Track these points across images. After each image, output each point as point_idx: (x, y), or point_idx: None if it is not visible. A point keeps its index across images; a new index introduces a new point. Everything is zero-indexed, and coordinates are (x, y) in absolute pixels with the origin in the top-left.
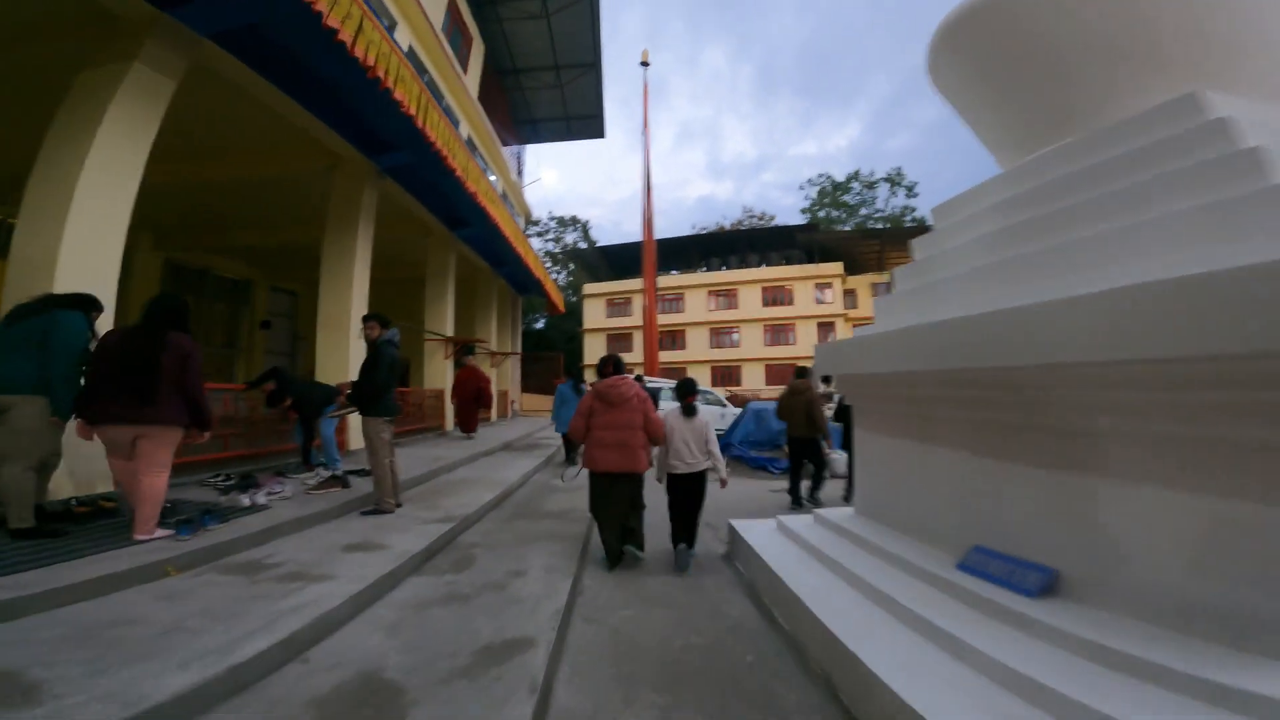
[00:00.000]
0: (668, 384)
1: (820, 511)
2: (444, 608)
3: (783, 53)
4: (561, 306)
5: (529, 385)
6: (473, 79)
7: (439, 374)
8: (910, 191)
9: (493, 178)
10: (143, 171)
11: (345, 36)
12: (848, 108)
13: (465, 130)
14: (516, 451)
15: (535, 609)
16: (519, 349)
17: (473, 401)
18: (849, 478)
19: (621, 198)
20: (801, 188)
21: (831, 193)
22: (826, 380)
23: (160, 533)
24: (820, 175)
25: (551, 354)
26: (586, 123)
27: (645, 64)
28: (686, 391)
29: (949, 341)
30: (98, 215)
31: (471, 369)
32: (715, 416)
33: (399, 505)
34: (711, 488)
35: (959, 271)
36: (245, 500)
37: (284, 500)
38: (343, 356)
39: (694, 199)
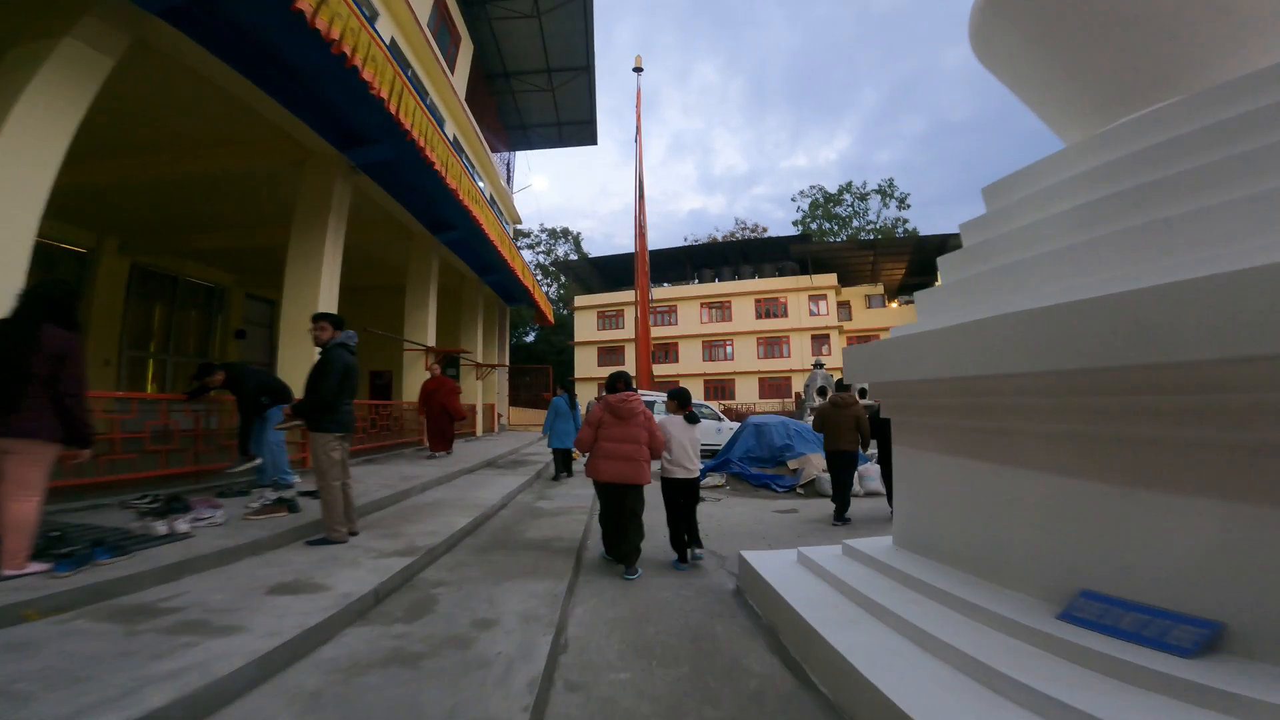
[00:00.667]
0: (659, 396)
1: (851, 543)
2: (384, 673)
3: (773, 66)
4: (551, 318)
5: (517, 399)
6: (460, 79)
7: (419, 386)
8: (902, 203)
9: (481, 184)
10: (63, 155)
11: (305, 5)
12: (837, 121)
13: (451, 131)
14: (500, 469)
15: (506, 677)
16: (506, 361)
17: (441, 415)
18: (889, 492)
19: (613, 211)
20: (794, 199)
21: (824, 205)
22: (862, 393)
23: (33, 567)
24: (812, 187)
25: (540, 367)
26: (579, 129)
27: (638, 70)
28: (686, 400)
29: (1054, 336)
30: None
31: (439, 378)
32: (711, 431)
33: (353, 534)
34: (713, 509)
35: (1038, 253)
36: (161, 528)
37: (214, 527)
38: (309, 367)
39: (685, 212)
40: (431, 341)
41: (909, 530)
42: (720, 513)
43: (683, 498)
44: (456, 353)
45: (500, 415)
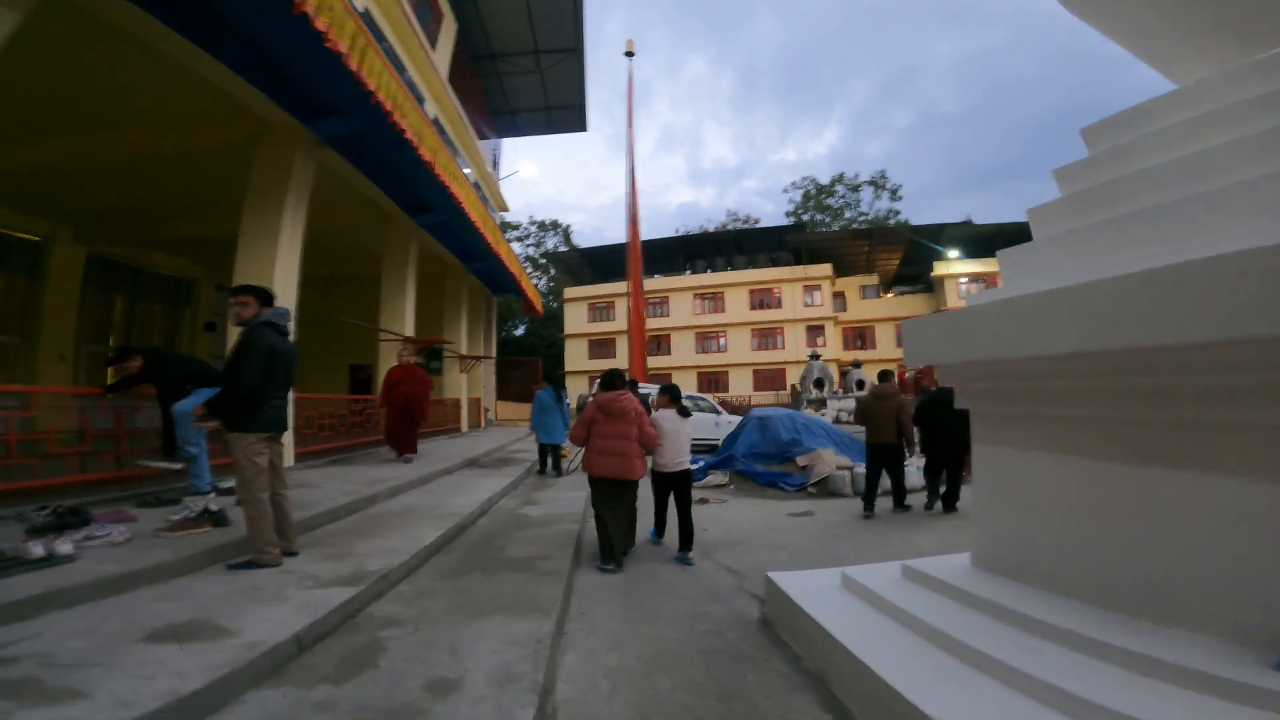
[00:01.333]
0: (654, 390)
1: (914, 564)
2: None
3: (762, 59)
4: (540, 308)
5: (506, 393)
6: (443, 58)
7: None
8: (894, 195)
9: (467, 170)
10: None
11: None
12: (826, 114)
13: (432, 110)
14: (483, 469)
15: None
16: (493, 354)
17: (403, 412)
18: (930, 488)
19: (603, 204)
20: (786, 191)
21: (816, 196)
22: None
23: None
24: (804, 178)
25: (528, 359)
26: (568, 113)
27: (630, 54)
28: (678, 395)
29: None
30: None
31: (408, 368)
32: (709, 425)
33: (290, 553)
34: (719, 511)
35: (1187, 195)
36: (37, 549)
37: (110, 547)
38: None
39: (676, 205)
40: (410, 331)
41: (997, 549)
42: (728, 516)
43: (678, 489)
44: (437, 343)
45: (487, 410)
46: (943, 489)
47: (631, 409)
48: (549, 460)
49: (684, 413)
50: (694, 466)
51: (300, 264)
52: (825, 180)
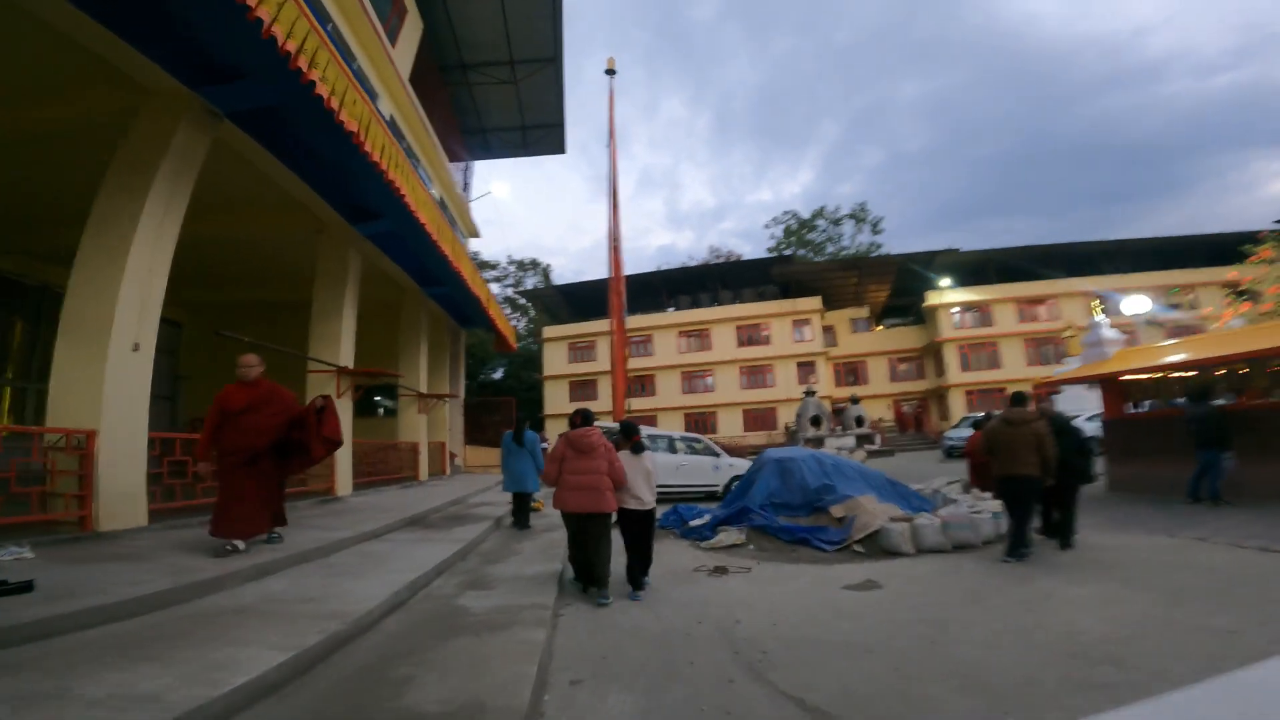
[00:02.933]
0: (662, 432)
1: None
2: None
3: (738, 100)
4: (513, 343)
5: (478, 437)
6: (404, 57)
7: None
8: (875, 228)
9: (434, 190)
10: None
11: None
12: (800, 155)
13: (388, 109)
14: (426, 530)
15: None
16: (461, 393)
17: (262, 461)
18: (1047, 525)
19: (584, 247)
20: (767, 226)
21: (797, 231)
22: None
23: None
24: (785, 213)
25: (503, 399)
26: (546, 133)
27: (611, 72)
28: (632, 431)
29: None
30: None
31: (262, 389)
32: (707, 469)
33: None
34: (742, 585)
35: None
36: None
37: None
38: (95, 376)
39: (655, 248)
40: (347, 361)
41: None
42: (761, 595)
43: (636, 528)
44: (382, 376)
45: (454, 456)
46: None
47: (600, 444)
48: (520, 512)
49: (637, 449)
50: (699, 521)
51: (171, 259)
52: (806, 215)
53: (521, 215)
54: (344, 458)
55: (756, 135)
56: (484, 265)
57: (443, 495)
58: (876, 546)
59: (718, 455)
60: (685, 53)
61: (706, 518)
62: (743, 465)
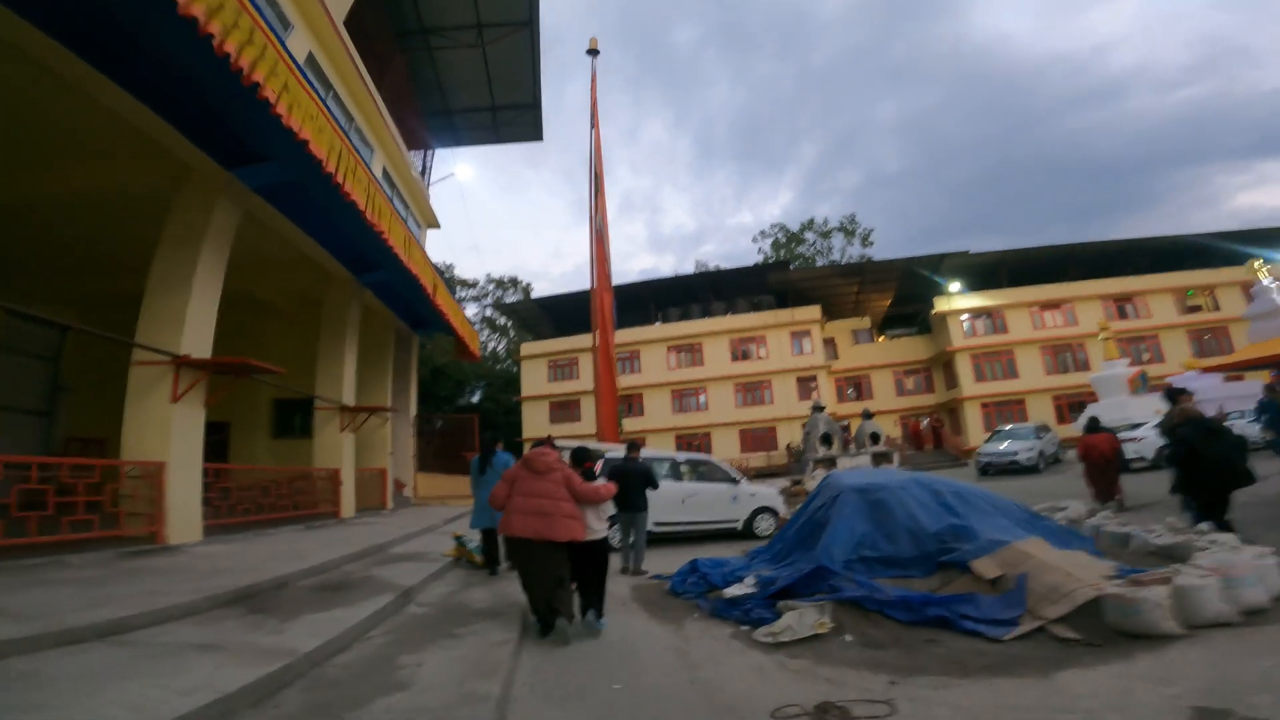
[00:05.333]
0: (665, 453)
1: None
2: None
3: (719, 123)
4: (476, 351)
5: (434, 464)
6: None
7: (155, 432)
8: (866, 240)
9: (378, 165)
10: None
11: None
12: (780, 177)
13: (306, 45)
14: (252, 615)
15: None
16: (411, 408)
17: None
18: None
19: (565, 272)
20: (755, 240)
21: (786, 244)
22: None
23: None
24: (774, 226)
25: (461, 417)
26: (519, 115)
27: (594, 52)
28: (584, 457)
29: None
30: None
31: None
32: (724, 500)
33: None
34: None
35: None
36: None
37: None
38: None
39: (637, 271)
40: (193, 348)
41: None
42: None
43: (588, 561)
44: (252, 371)
45: (401, 485)
46: None
47: (556, 466)
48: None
49: (588, 476)
50: (740, 589)
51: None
52: (794, 228)
53: (503, 241)
54: (180, 487)
55: (737, 158)
56: (462, 284)
57: (358, 541)
58: (1097, 626)
59: (735, 481)
60: (667, 78)
61: (751, 580)
62: (768, 494)
